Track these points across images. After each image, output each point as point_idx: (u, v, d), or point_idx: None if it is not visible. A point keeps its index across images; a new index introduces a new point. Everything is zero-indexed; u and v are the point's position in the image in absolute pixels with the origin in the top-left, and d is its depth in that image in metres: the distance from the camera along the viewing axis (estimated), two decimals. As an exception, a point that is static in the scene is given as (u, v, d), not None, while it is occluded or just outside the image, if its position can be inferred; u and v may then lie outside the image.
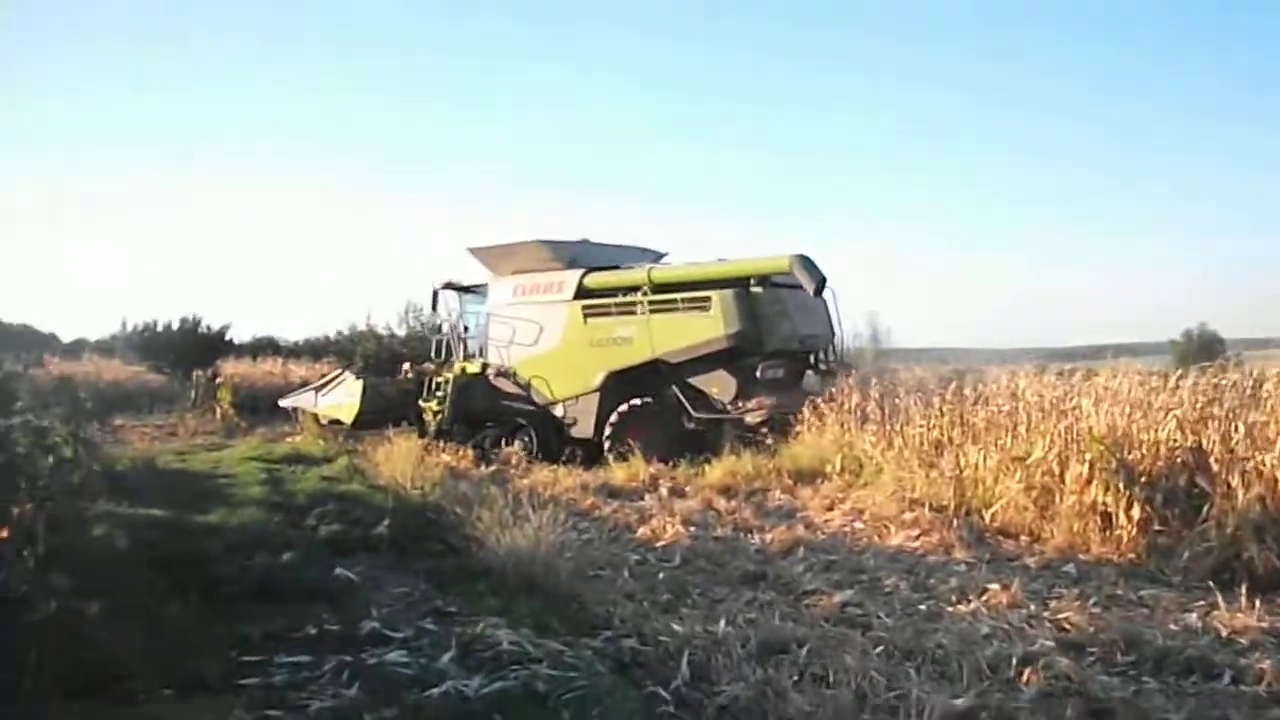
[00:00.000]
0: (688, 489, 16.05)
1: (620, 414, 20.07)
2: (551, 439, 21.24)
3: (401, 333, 36.22)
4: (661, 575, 10.31)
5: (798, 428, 18.14)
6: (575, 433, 21.01)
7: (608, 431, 20.06)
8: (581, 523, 13.08)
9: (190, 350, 35.01)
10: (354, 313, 49.44)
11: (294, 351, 43.71)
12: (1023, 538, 11.98)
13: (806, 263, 18.81)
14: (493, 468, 19.61)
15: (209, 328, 36.22)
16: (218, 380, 32.16)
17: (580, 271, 21.65)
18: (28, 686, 5.13)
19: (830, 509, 14.20)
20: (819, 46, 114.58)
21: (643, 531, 12.70)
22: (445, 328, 25.41)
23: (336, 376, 25.91)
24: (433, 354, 25.49)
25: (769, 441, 18.01)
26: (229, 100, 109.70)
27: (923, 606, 9.07)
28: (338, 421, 24.33)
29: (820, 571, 10.58)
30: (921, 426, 15.52)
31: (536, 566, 9.24)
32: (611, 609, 8.72)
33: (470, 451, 20.82)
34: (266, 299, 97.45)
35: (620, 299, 20.96)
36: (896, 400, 16.87)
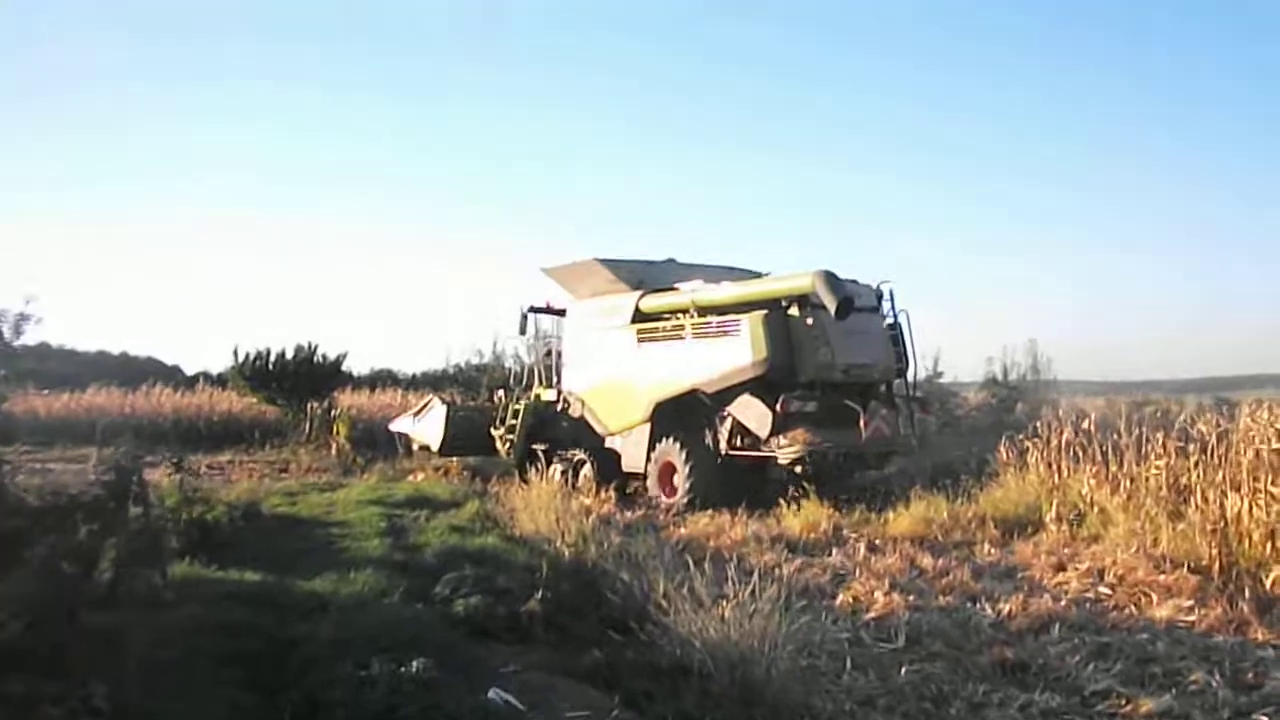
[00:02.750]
0: (877, 541, 13.57)
1: (661, 450, 18.67)
2: (611, 473, 19.74)
3: (530, 359, 34.16)
4: (897, 668, 8.07)
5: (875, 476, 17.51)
6: (626, 467, 19.72)
7: (650, 470, 18.77)
8: (763, 585, 10.58)
9: (305, 380, 33.31)
10: (480, 341, 46.92)
11: (414, 383, 41.82)
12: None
13: (830, 280, 16.74)
14: (639, 512, 17.59)
15: (324, 357, 34.42)
16: (334, 413, 30.41)
17: (638, 294, 19.99)
18: None
19: (1060, 568, 11.93)
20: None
21: (843, 599, 10.45)
22: (526, 353, 24.82)
23: (429, 403, 25.29)
24: (510, 380, 24.67)
25: (805, 485, 16.35)
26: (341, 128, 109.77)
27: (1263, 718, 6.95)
28: (426, 448, 23.95)
29: (1093, 658, 8.32)
30: (1158, 469, 13.01)
31: (755, 668, 6.83)
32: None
33: (611, 493, 18.54)
34: (381, 331, 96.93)
35: (669, 324, 19.28)
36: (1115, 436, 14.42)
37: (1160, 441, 13.64)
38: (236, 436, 33.27)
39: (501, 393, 23.95)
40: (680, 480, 17.94)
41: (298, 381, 33.71)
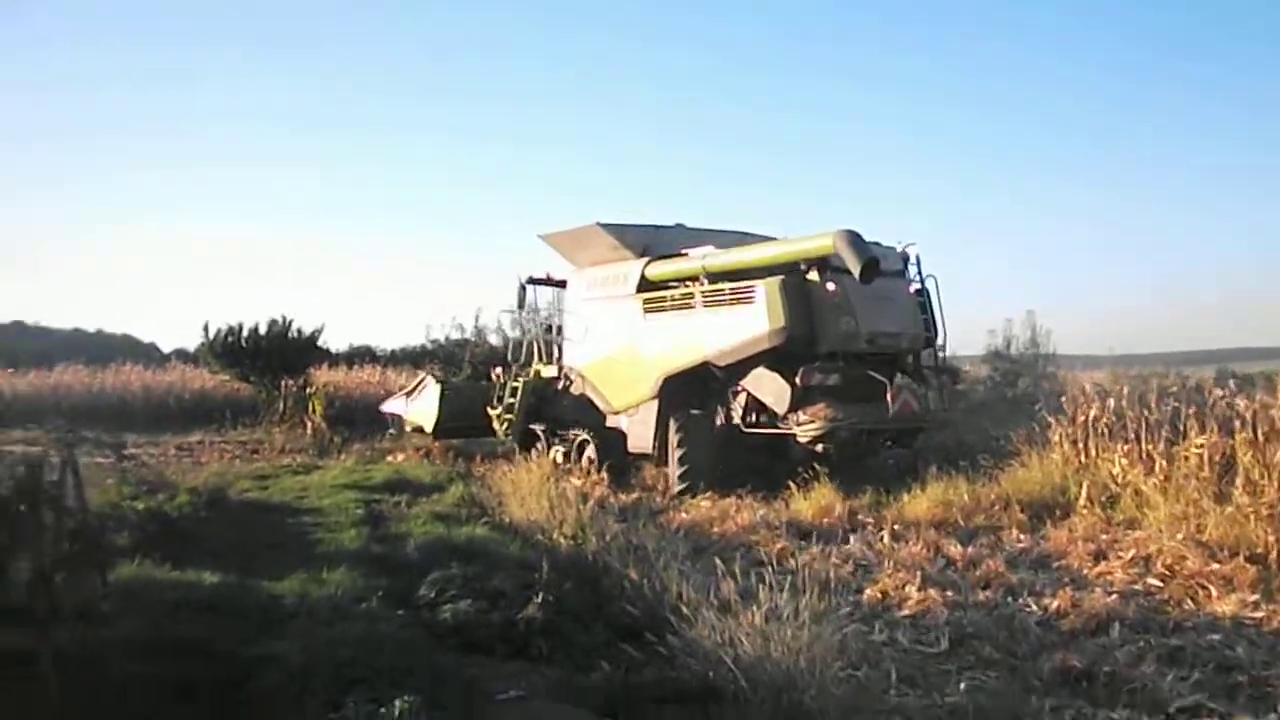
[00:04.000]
0: (896, 526, 12.43)
1: (672, 428, 16.94)
2: (616, 454, 18.23)
3: (515, 334, 32.81)
4: (947, 679, 7.11)
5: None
6: (633, 447, 18.20)
7: (663, 449, 17.19)
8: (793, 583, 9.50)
9: (278, 357, 32.09)
10: (462, 314, 45.30)
11: (394, 359, 40.50)
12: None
13: (854, 240, 15.16)
14: (634, 495, 16.42)
15: (299, 331, 33.21)
16: (309, 390, 29.22)
17: (644, 261, 18.55)
18: None
19: (1099, 557, 10.91)
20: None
21: (871, 593, 9.37)
22: (525, 327, 22.80)
23: (421, 382, 24.08)
24: (509, 356, 22.87)
25: (823, 466, 15.26)
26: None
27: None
28: (420, 429, 22.75)
29: (1165, 664, 7.34)
30: (1199, 447, 12.01)
31: (802, 694, 5.76)
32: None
33: (603, 474, 17.32)
34: (357, 308, 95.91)
35: (678, 292, 17.81)
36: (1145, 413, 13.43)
37: (1196, 419, 12.67)
38: (208, 416, 31.88)
39: (499, 370, 22.45)
40: (673, 461, 16.61)
41: (271, 358, 32.59)
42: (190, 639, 5.92)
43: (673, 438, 16.73)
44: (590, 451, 18.42)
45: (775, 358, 15.95)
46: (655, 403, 17.64)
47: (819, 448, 15.58)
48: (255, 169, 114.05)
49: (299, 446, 25.18)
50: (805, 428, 15.55)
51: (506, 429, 20.87)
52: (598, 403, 19.15)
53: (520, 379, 20.97)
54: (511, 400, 20.80)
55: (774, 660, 5.97)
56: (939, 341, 17.23)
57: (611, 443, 18.44)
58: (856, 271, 14.94)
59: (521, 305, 22.09)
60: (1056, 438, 14.52)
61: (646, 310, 18.07)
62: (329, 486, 16.05)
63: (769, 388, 16.18)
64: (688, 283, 17.61)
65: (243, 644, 6.10)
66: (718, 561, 8.25)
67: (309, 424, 27.11)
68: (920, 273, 17.06)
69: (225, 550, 9.61)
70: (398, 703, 4.75)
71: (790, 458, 16.23)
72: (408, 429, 23.75)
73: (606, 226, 19.03)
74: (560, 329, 20.92)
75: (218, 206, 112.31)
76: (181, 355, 44.67)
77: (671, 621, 7.18)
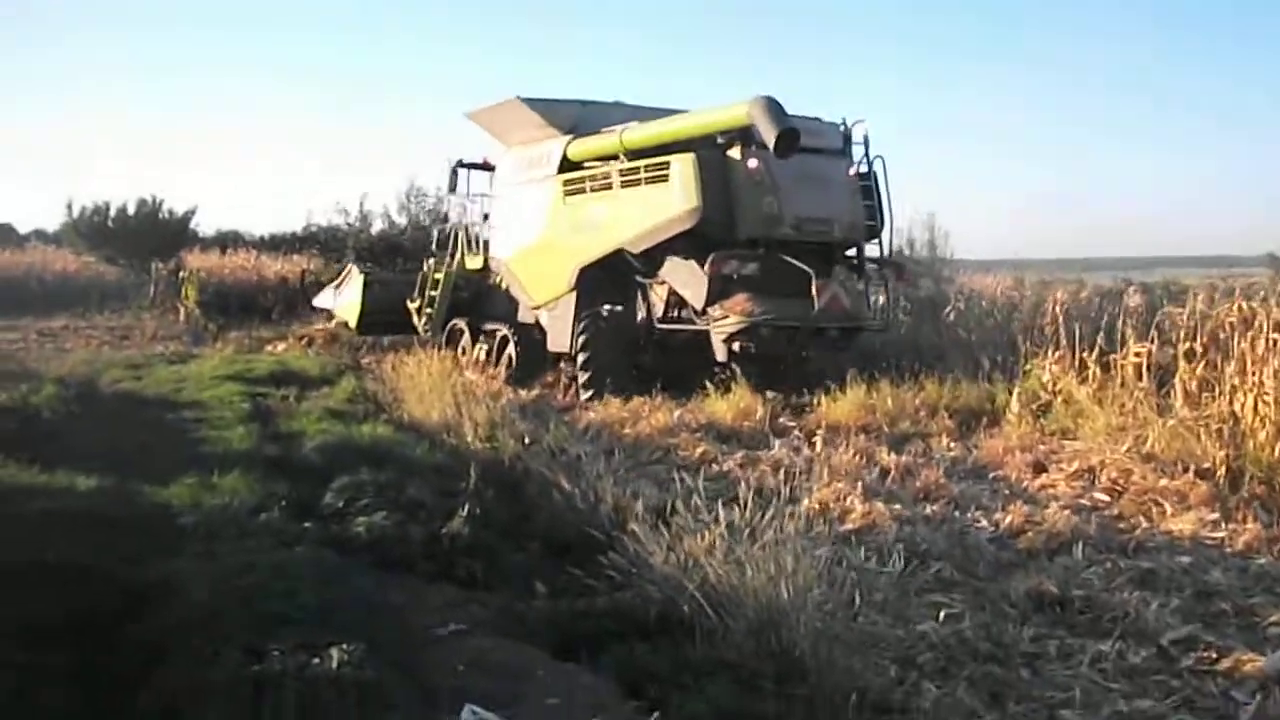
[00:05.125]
0: (818, 431, 11.73)
1: (582, 325, 15.54)
2: (536, 353, 16.93)
3: (402, 221, 31.54)
4: (909, 601, 6.50)
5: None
6: (553, 345, 16.69)
7: (576, 348, 15.61)
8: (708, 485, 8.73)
9: (148, 238, 30.71)
10: (343, 200, 43.20)
11: (272, 244, 38.71)
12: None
13: (770, 108, 13.56)
14: (534, 392, 15.50)
15: (170, 213, 31.78)
16: (181, 274, 27.96)
17: (566, 139, 16.95)
18: None
19: (1039, 469, 10.38)
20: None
21: (809, 505, 8.53)
22: (449, 214, 21.48)
23: (347, 273, 22.37)
24: (434, 245, 21.52)
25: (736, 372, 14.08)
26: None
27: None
28: (346, 325, 21.33)
29: (1139, 588, 6.80)
30: (1138, 355, 11.68)
31: (789, 631, 5.03)
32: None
33: (501, 370, 16.45)
34: (227, 190, 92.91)
35: (597, 171, 16.33)
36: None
37: (1131, 327, 12.30)
38: (72, 299, 30.20)
39: (432, 262, 20.53)
40: (578, 362, 15.38)
41: (140, 240, 31.19)
42: (64, 562, 4.96)
43: (576, 337, 15.50)
44: (511, 350, 17.08)
45: (692, 244, 14.54)
46: (573, 296, 16.23)
47: (738, 347, 14.15)
48: (118, 32, 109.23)
49: (172, 334, 24.11)
50: (721, 323, 14.13)
51: (426, 323, 19.39)
52: (520, 297, 17.81)
53: (443, 270, 19.47)
54: (433, 293, 19.34)
55: (750, 589, 5.22)
56: (886, 231, 15.82)
57: (532, 340, 17.09)
58: (770, 142, 13.45)
59: (453, 190, 20.58)
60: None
61: (566, 193, 16.69)
62: (208, 378, 14.99)
63: (684, 278, 14.80)
64: (609, 161, 16.05)
65: (130, 566, 5.16)
66: (677, 473, 7.48)
67: (182, 310, 26.20)
68: (867, 154, 15.54)
69: (98, 451, 8.57)
70: (334, 651, 3.86)
71: (711, 359, 14.63)
72: (335, 324, 22.34)
73: (529, 101, 17.39)
74: (486, 216, 19.49)
75: (73, 77, 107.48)
76: (41, 236, 42.75)
77: (613, 538, 6.43)
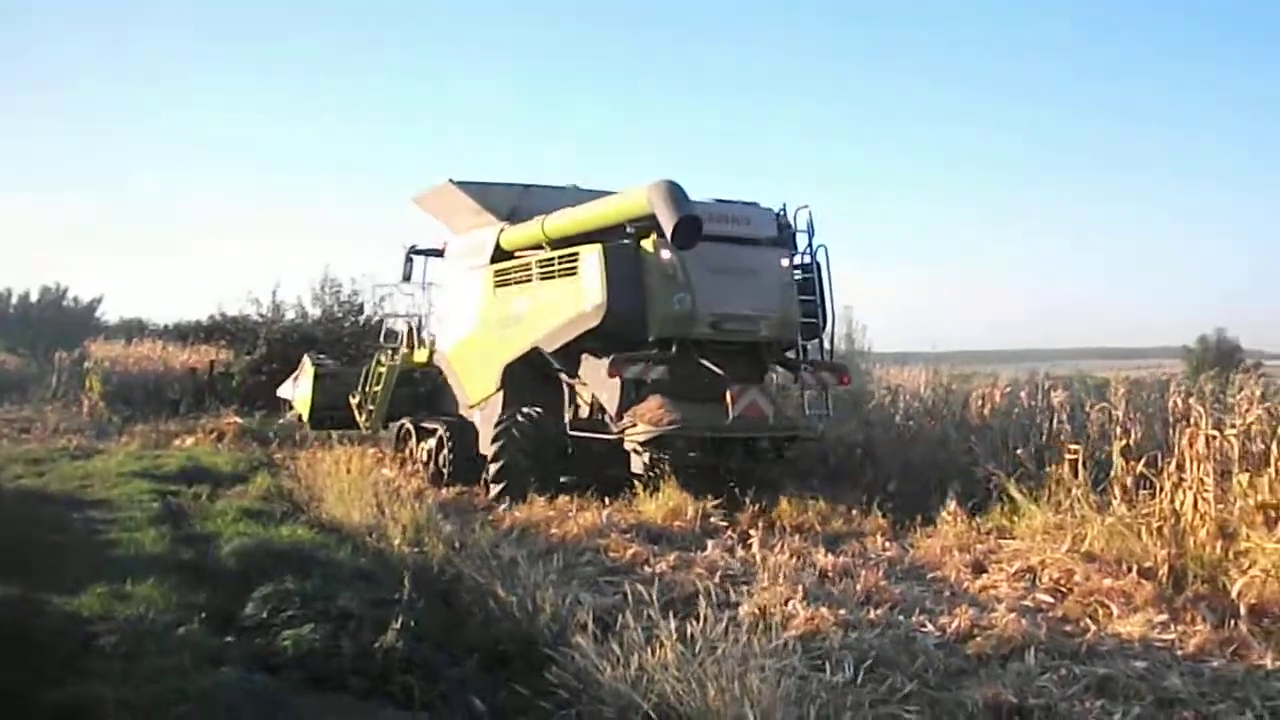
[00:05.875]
0: (751, 532, 11.47)
1: (499, 429, 14.47)
2: (467, 453, 15.76)
3: (316, 312, 30.92)
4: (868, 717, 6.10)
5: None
6: (484, 447, 15.19)
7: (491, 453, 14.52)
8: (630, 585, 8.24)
9: (51, 328, 30.09)
10: (255, 290, 42.03)
11: (179, 333, 37.74)
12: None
13: (670, 194, 12.77)
14: (455, 490, 15.21)
15: (75, 300, 31.17)
16: (86, 365, 27.36)
17: (500, 227, 16.04)
18: None
19: (979, 569, 10.24)
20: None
21: (746, 609, 8.28)
22: (391, 305, 21.18)
23: (303, 364, 21.11)
24: (381, 337, 20.63)
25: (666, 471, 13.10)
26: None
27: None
28: (300, 418, 20.46)
29: (1099, 696, 6.63)
30: (1073, 452, 11.77)
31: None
32: None
33: (420, 467, 15.98)
34: (130, 278, 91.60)
35: (522, 261, 15.46)
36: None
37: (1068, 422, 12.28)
38: (-32, 390, 29.28)
39: (377, 356, 19.49)
40: (490, 467, 14.38)
41: (43, 328, 30.55)
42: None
43: (488, 441, 14.65)
44: (444, 450, 16.16)
45: (604, 344, 13.52)
46: (500, 396, 15.38)
47: (647, 458, 13.13)
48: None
49: (75, 427, 23.36)
50: (632, 432, 13.05)
51: (367, 419, 18.50)
52: (458, 394, 17.00)
53: (386, 364, 18.56)
54: (376, 388, 18.41)
55: (713, 709, 4.90)
56: (828, 329, 14.90)
57: (465, 441, 15.94)
58: (668, 230, 12.64)
59: (407, 278, 19.43)
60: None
61: (496, 285, 15.88)
62: (115, 474, 14.40)
63: (599, 381, 13.73)
64: (535, 251, 15.23)
65: (41, 688, 4.71)
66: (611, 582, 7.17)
67: (86, 402, 25.56)
68: (811, 243, 14.59)
69: (1, 552, 8.06)
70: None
71: (630, 467, 13.54)
72: (292, 416, 21.57)
73: (463, 185, 16.49)
74: (431, 305, 18.70)
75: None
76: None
77: (552, 651, 6.10)
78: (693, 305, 13.23)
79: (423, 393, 18.38)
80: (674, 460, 13.09)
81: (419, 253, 19.13)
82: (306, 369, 20.17)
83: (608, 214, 13.92)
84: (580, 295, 13.61)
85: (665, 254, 13.21)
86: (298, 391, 20.42)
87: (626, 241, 13.65)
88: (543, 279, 14.59)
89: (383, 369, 18.38)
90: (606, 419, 13.65)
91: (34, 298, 30.60)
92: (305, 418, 19.86)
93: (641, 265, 13.43)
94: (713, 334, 13.45)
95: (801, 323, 14.19)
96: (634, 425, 12.99)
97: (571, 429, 14.19)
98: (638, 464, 13.28)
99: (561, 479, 14.07)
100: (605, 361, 13.33)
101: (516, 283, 15.33)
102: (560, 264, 14.19)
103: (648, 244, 13.43)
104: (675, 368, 13.24)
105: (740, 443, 13.41)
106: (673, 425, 12.79)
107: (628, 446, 13.19)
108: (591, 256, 13.54)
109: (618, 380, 13.27)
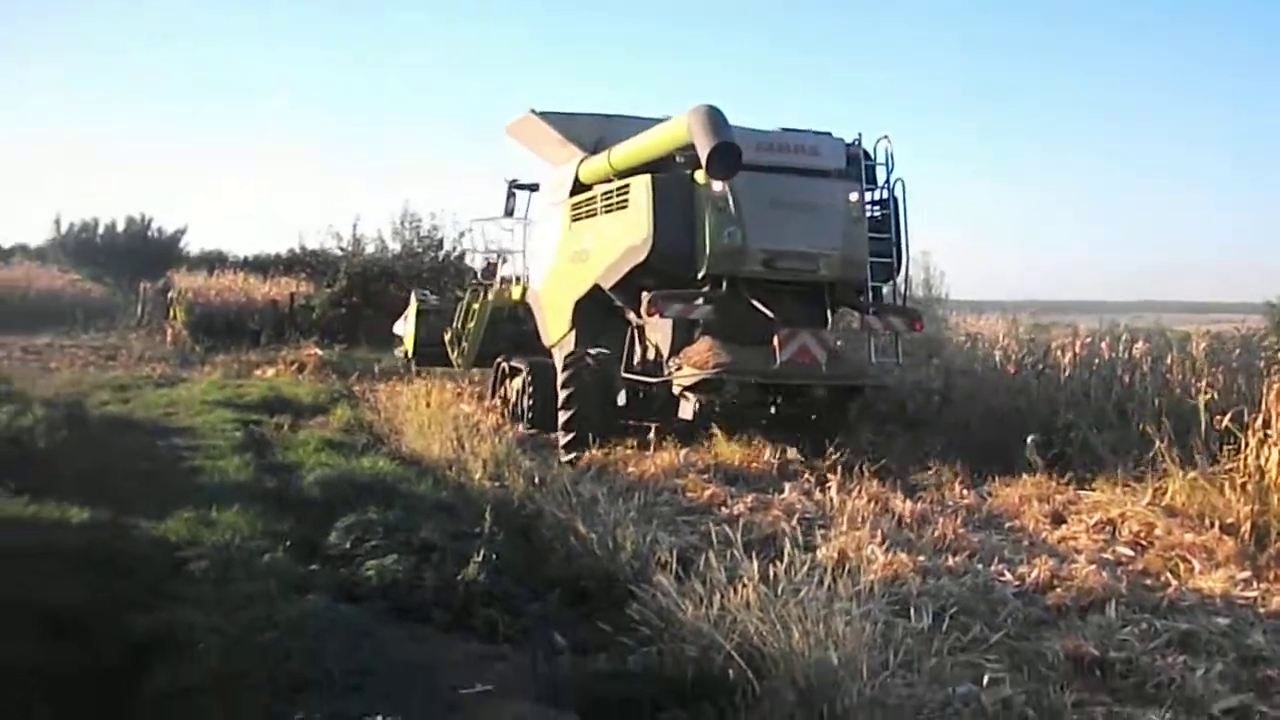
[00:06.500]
0: (829, 478, 11.21)
1: (567, 373, 13.54)
2: (547, 393, 14.28)
3: (396, 247, 31.02)
4: (943, 661, 5.91)
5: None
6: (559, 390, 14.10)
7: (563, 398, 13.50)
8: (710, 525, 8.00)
9: (137, 257, 30.41)
10: (336, 224, 42.17)
11: (259, 265, 38.03)
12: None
13: (710, 120, 11.67)
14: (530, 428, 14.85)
15: (160, 231, 31.47)
16: (170, 294, 27.63)
17: (579, 158, 14.88)
18: None
19: (1058, 519, 10.08)
20: None
21: (825, 552, 8.16)
22: (484, 240, 19.72)
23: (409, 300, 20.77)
24: (480, 274, 19.90)
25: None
26: None
27: None
28: (406, 354, 20.04)
29: (1179, 651, 6.43)
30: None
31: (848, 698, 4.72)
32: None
33: (501, 404, 15.78)
34: (215, 207, 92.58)
35: (591, 194, 14.35)
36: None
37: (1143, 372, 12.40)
38: (57, 317, 29.72)
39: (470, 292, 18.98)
40: (560, 417, 13.45)
41: (128, 258, 30.90)
42: (61, 603, 4.60)
43: (560, 388, 13.57)
44: (526, 393, 15.24)
45: (658, 282, 12.39)
46: (573, 336, 14.37)
47: (697, 404, 12.29)
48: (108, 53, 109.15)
49: (159, 355, 23.66)
50: (680, 375, 12.16)
51: (459, 357, 18.04)
52: (541, 333, 15.84)
53: (479, 300, 17.85)
54: (470, 325, 17.77)
55: (797, 651, 4.90)
56: (901, 271, 13.53)
57: (545, 382, 14.54)
58: (703, 158, 11.54)
59: (509, 213, 18.38)
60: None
61: (572, 219, 14.78)
62: (199, 402, 14.64)
63: (651, 321, 12.88)
64: (605, 184, 14.00)
65: (131, 613, 4.80)
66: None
67: (169, 331, 25.76)
68: (889, 177, 13.24)
69: (90, 480, 8.19)
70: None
71: (679, 413, 12.68)
72: (401, 353, 20.87)
73: (545, 115, 15.46)
74: (526, 241, 17.65)
75: (64, 94, 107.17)
76: (26, 252, 42.29)
77: (634, 588, 6.13)
78: (743, 240, 12.14)
79: (511, 331, 17.40)
80: (724, 406, 12.37)
81: (520, 187, 18.26)
82: (412, 305, 19.89)
83: (659, 143, 12.87)
84: (630, 229, 12.73)
85: (717, 185, 12.04)
86: (405, 327, 20.09)
87: (677, 172, 12.67)
88: (605, 211, 13.68)
89: (476, 305, 17.83)
90: (663, 362, 12.87)
91: (120, 227, 30.98)
92: (410, 353, 19.58)
93: (692, 197, 12.37)
94: (765, 272, 12.33)
95: (873, 262, 12.87)
96: (680, 369, 12.19)
97: (625, 372, 13.40)
98: (687, 409, 12.46)
99: (629, 423, 13.28)
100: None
101: (587, 216, 14.37)
102: (618, 196, 13.24)
103: (700, 175, 12.15)
104: (728, 308, 12.22)
105: (795, 390, 12.41)
106: (717, 369, 11.80)
107: (675, 391, 12.39)
108: (640, 188, 12.61)
109: (669, 321, 12.45)
